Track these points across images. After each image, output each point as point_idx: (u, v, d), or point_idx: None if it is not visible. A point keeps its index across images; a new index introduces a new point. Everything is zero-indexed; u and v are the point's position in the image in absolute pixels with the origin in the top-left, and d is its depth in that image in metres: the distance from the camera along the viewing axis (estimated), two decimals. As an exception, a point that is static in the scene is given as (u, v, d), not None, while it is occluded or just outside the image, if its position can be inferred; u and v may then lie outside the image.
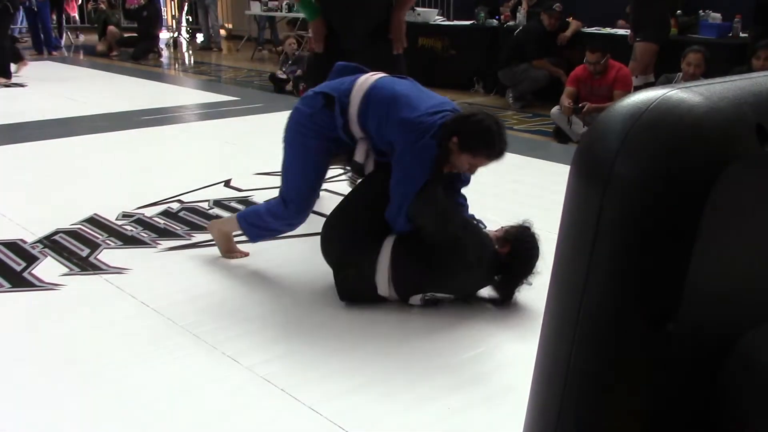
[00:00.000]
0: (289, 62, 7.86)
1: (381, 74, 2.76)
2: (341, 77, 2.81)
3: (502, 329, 2.55)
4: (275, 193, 4.12)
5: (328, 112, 2.67)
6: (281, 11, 11.18)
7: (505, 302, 2.64)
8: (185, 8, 13.74)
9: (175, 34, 13.36)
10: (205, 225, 3.57)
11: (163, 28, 13.05)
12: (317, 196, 2.95)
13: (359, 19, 3.76)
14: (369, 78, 2.71)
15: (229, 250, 3.15)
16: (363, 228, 2.61)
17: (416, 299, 2.60)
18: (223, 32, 13.98)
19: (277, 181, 4.34)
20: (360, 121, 2.64)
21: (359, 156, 2.67)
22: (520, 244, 2.62)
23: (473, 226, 2.64)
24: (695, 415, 0.58)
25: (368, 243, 2.58)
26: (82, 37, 13.39)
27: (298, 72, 7.76)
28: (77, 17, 13.86)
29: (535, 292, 2.73)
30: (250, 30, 12.09)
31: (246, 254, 3.12)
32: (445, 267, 2.54)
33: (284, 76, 7.80)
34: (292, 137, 2.78)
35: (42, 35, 11.20)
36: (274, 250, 3.31)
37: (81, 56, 11.70)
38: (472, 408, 2.10)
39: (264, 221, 2.94)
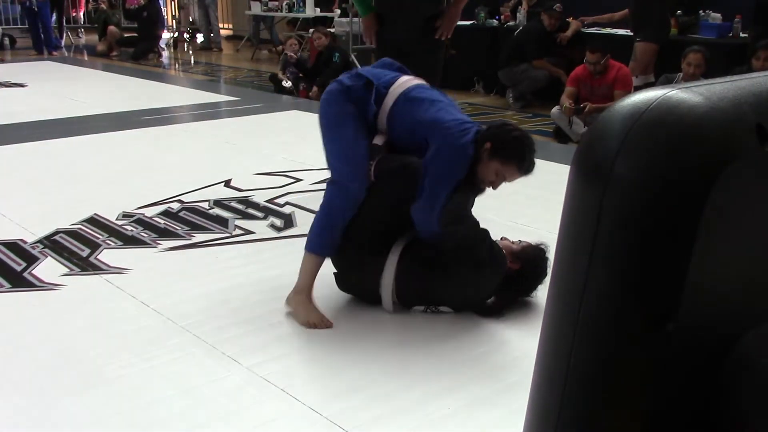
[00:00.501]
0: (291, 64, 7.84)
1: (422, 81, 2.76)
2: (384, 70, 2.79)
3: (502, 329, 2.55)
4: (275, 192, 4.16)
5: (366, 94, 2.62)
6: (281, 11, 11.18)
7: (494, 316, 2.63)
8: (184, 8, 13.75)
9: (175, 34, 13.37)
10: (204, 225, 3.57)
11: (164, 28, 13.06)
12: (367, 165, 2.61)
13: (409, 11, 3.78)
14: (411, 79, 2.71)
15: (314, 320, 2.56)
16: (367, 237, 2.60)
17: (419, 309, 2.62)
18: (227, 32, 14.00)
19: (276, 180, 4.37)
20: (389, 116, 2.61)
21: (378, 140, 2.64)
22: (530, 265, 2.63)
23: (493, 243, 2.62)
24: (695, 415, 0.58)
25: (373, 254, 2.57)
26: (83, 38, 13.40)
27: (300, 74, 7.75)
28: (82, 17, 13.89)
29: (536, 291, 2.73)
30: (250, 30, 12.10)
31: (330, 325, 2.56)
32: (453, 277, 2.54)
33: (288, 84, 7.73)
34: (331, 109, 2.65)
35: (42, 35, 11.21)
36: (275, 250, 3.31)
37: (81, 56, 11.70)
38: (472, 408, 2.10)
39: (329, 222, 2.59)
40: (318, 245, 2.60)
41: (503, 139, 2.51)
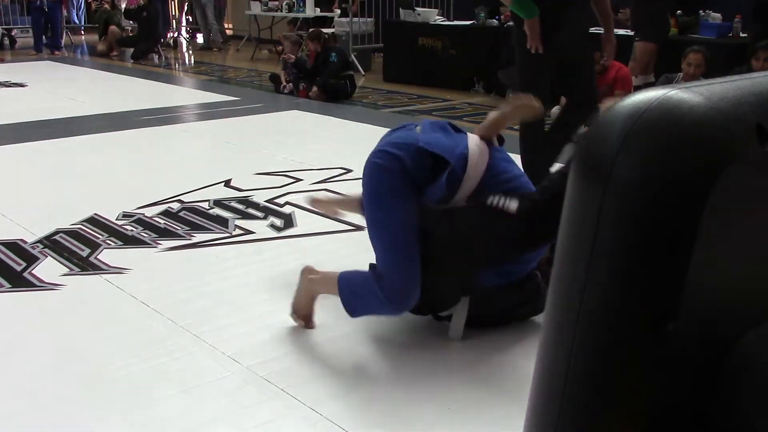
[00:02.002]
0: (290, 65, 7.83)
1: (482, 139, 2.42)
2: (435, 134, 2.35)
3: (502, 329, 2.55)
4: (275, 192, 4.17)
5: (428, 172, 2.27)
6: (281, 11, 11.18)
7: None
8: (185, 8, 13.75)
9: (175, 34, 13.36)
10: (204, 225, 3.57)
11: (181, 27, 13.07)
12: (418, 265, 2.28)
13: (573, 21, 3.69)
14: (481, 144, 2.35)
15: (302, 315, 2.50)
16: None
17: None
18: (229, 31, 13.99)
19: (276, 180, 4.37)
20: (475, 194, 2.28)
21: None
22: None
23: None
24: (695, 415, 0.58)
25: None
26: (82, 38, 13.41)
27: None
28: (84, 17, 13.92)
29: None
30: (250, 30, 12.10)
31: (311, 327, 2.50)
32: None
33: (289, 88, 7.71)
34: (382, 187, 2.29)
35: (50, 34, 11.26)
36: (275, 250, 3.31)
37: (81, 56, 11.70)
38: (472, 408, 2.10)
39: (364, 293, 2.33)
40: (350, 308, 2.37)
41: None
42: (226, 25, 14.21)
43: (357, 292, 2.33)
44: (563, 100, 5.68)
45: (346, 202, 2.96)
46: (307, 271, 2.50)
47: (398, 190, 2.25)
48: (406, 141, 2.30)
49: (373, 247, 2.34)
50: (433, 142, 2.28)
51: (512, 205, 2.11)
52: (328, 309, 2.52)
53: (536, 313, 2.57)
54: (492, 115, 2.42)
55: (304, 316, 2.50)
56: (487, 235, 2.22)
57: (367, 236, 2.41)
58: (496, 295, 2.45)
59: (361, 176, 2.40)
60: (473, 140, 2.33)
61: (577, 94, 3.87)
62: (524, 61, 3.78)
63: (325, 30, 8.81)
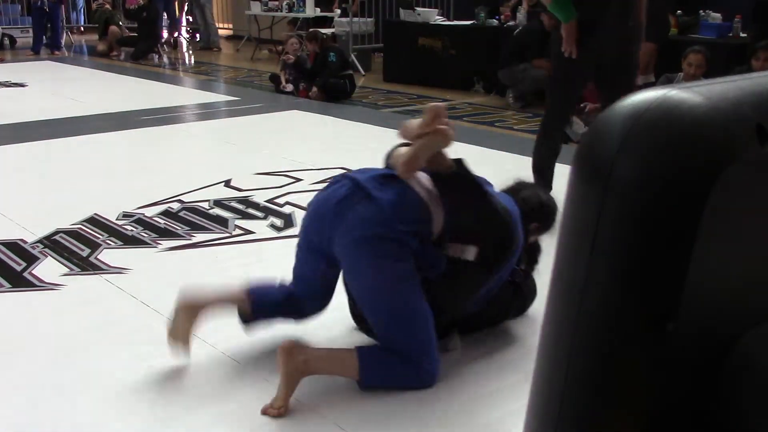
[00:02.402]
0: (290, 65, 7.82)
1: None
2: (386, 191, 2.17)
3: (502, 329, 2.55)
4: (275, 192, 4.16)
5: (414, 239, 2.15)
6: (281, 11, 11.18)
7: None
8: (185, 8, 13.74)
9: (175, 34, 13.35)
10: (204, 225, 3.57)
11: (181, 27, 13.04)
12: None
13: (617, 17, 3.52)
14: (425, 183, 2.23)
15: (274, 405, 2.06)
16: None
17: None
18: (229, 31, 13.99)
19: (276, 180, 4.37)
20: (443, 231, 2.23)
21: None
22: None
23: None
24: (695, 415, 0.58)
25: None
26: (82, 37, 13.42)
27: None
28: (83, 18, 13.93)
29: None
30: (250, 30, 12.10)
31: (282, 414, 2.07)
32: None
33: (289, 87, 7.70)
34: (377, 264, 2.12)
35: (51, 35, 11.27)
36: (275, 250, 3.31)
37: (81, 56, 11.70)
38: (472, 408, 2.10)
39: (388, 379, 2.17)
40: (368, 378, 2.15)
41: (549, 217, 2.51)
42: (224, 25, 14.22)
43: (383, 369, 2.15)
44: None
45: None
46: (290, 353, 2.07)
47: (410, 272, 2.13)
48: (386, 218, 2.11)
49: (381, 331, 2.19)
50: (398, 208, 2.13)
51: (469, 254, 2.16)
52: (328, 308, 2.52)
53: (522, 311, 2.58)
54: (405, 151, 2.14)
55: (282, 398, 2.07)
56: (459, 285, 2.23)
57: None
58: (478, 314, 2.46)
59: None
60: (416, 183, 2.19)
61: (610, 101, 3.81)
62: (556, 63, 3.71)
63: (325, 30, 8.82)
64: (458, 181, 2.15)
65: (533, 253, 2.62)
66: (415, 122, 2.12)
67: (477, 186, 2.17)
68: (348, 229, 2.11)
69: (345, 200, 2.15)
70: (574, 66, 3.57)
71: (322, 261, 2.27)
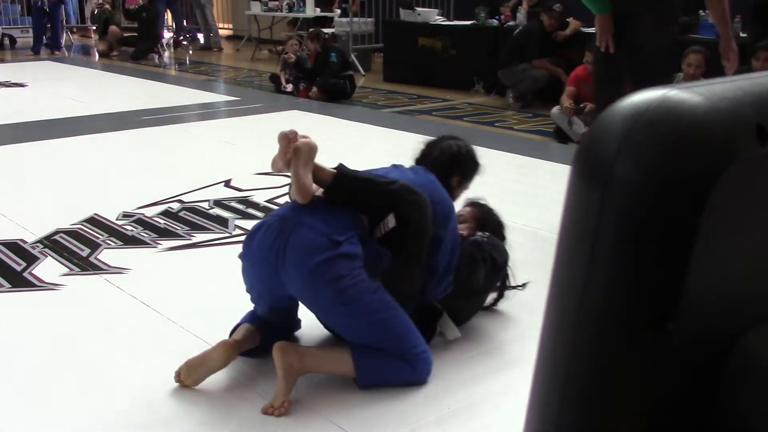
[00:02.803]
0: (290, 66, 7.82)
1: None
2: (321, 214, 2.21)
3: (503, 329, 2.55)
4: (275, 192, 4.16)
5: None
6: (281, 11, 11.18)
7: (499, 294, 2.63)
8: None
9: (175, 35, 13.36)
10: (204, 225, 3.57)
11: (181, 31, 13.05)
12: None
13: (655, 7, 3.36)
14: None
15: (275, 403, 2.06)
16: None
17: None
18: (229, 31, 13.99)
19: (276, 180, 4.37)
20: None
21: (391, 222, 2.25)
22: (491, 224, 2.66)
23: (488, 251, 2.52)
24: (695, 415, 0.58)
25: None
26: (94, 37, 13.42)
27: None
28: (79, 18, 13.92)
29: (536, 292, 2.73)
30: (250, 30, 12.10)
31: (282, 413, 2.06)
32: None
33: (288, 87, 7.70)
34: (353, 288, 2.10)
35: (51, 35, 11.28)
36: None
37: (80, 56, 11.70)
38: (472, 408, 2.10)
39: (388, 371, 2.17)
40: (364, 375, 2.16)
41: (467, 164, 2.56)
42: (224, 25, 14.22)
43: (379, 365, 2.16)
44: (563, 100, 5.70)
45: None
46: (285, 350, 2.09)
47: (368, 280, 2.13)
48: (324, 235, 2.11)
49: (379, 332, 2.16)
50: (330, 220, 2.16)
51: (390, 221, 2.21)
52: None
53: (498, 271, 2.54)
54: (291, 182, 2.22)
55: (283, 392, 2.07)
56: (406, 262, 2.23)
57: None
58: (459, 306, 2.46)
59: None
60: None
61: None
62: (595, 58, 3.59)
63: (325, 30, 8.81)
64: (344, 181, 2.22)
65: (490, 224, 2.64)
66: (276, 155, 2.20)
67: (360, 179, 2.24)
68: (294, 268, 2.09)
69: (277, 240, 2.12)
70: (611, 62, 3.39)
71: (277, 297, 2.25)
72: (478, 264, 2.43)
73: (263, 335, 2.28)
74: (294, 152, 2.15)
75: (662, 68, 3.45)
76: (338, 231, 2.12)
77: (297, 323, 2.43)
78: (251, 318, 2.35)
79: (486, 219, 2.66)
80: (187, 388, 2.16)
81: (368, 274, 2.13)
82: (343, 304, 2.08)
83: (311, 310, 2.28)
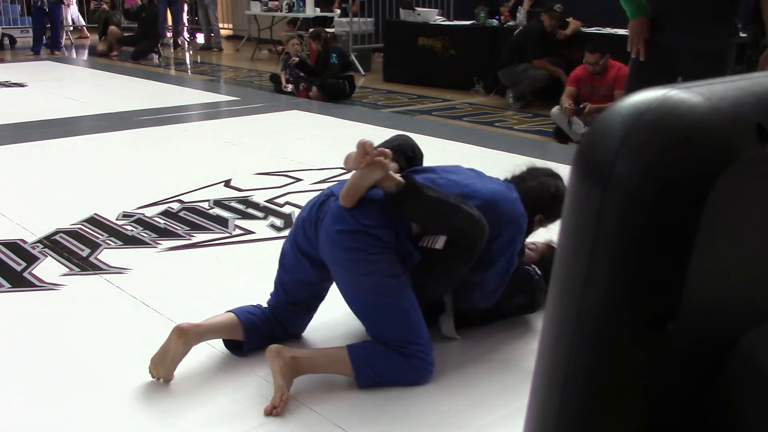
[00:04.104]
0: (290, 66, 7.82)
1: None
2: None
3: (503, 329, 2.55)
4: (275, 192, 4.17)
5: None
6: (281, 11, 11.18)
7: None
8: (185, 9, 13.73)
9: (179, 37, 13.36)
10: (204, 225, 3.57)
11: (183, 27, 13.04)
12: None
13: (696, 11, 3.12)
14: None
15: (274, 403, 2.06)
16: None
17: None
18: (229, 31, 13.99)
19: (276, 180, 4.37)
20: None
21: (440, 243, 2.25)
22: (547, 260, 2.64)
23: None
24: (695, 415, 0.58)
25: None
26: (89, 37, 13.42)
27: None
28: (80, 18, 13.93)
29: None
30: (250, 30, 12.10)
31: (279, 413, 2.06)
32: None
33: (288, 87, 7.70)
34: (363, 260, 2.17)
35: (51, 35, 11.29)
36: (274, 250, 3.31)
37: (81, 56, 11.71)
38: (473, 408, 2.10)
39: (385, 369, 2.18)
40: (362, 375, 2.17)
41: (555, 208, 2.48)
42: (224, 25, 14.22)
43: (376, 363, 2.16)
44: (563, 100, 5.70)
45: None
46: (279, 351, 2.12)
47: (388, 263, 2.18)
48: (350, 214, 2.21)
49: (375, 324, 2.23)
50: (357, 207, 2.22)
51: (439, 243, 2.21)
52: (328, 308, 2.52)
53: (534, 310, 2.58)
54: (347, 184, 2.22)
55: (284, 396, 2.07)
56: (436, 271, 2.26)
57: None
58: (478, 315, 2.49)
59: None
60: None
61: None
62: (629, 66, 3.39)
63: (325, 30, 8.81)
64: (407, 196, 2.19)
65: (546, 261, 2.64)
66: (353, 154, 2.21)
67: (429, 199, 2.20)
68: (324, 229, 2.22)
69: (320, 205, 2.29)
70: (642, 70, 3.21)
71: (311, 265, 2.31)
72: (517, 292, 2.48)
73: (247, 334, 2.31)
74: (366, 166, 2.16)
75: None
76: (366, 218, 2.18)
77: (299, 325, 2.45)
78: (243, 313, 2.35)
79: (549, 262, 2.65)
80: (186, 389, 2.16)
81: (395, 263, 2.16)
82: (355, 273, 2.17)
83: (334, 279, 2.30)
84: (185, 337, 2.18)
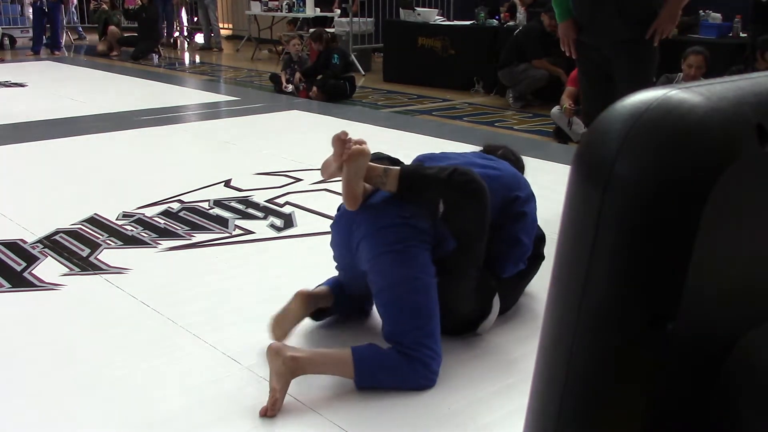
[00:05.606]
0: (291, 66, 7.82)
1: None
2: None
3: (503, 329, 2.55)
4: (275, 192, 4.17)
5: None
6: (281, 11, 11.18)
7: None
8: (182, 8, 13.74)
9: (175, 35, 13.36)
10: (204, 225, 3.57)
11: (183, 27, 13.03)
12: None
13: (615, 15, 3.37)
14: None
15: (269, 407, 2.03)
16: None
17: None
18: (229, 31, 13.99)
19: (276, 180, 4.37)
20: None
21: None
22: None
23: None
24: (695, 415, 0.58)
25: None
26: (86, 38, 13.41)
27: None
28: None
29: (536, 292, 2.73)
30: (249, 30, 12.10)
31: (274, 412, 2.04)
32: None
33: (289, 87, 7.70)
34: (395, 248, 2.17)
35: (50, 35, 11.29)
36: (275, 250, 3.31)
37: (81, 56, 11.70)
38: (472, 408, 2.10)
39: (387, 373, 2.15)
40: (363, 379, 2.14)
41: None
42: (224, 25, 14.22)
43: (379, 366, 2.14)
44: (563, 100, 5.70)
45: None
46: (278, 350, 2.07)
47: (422, 261, 2.19)
48: (386, 209, 2.23)
49: (391, 315, 2.20)
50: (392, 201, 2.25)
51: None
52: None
53: (485, 318, 2.52)
54: (342, 189, 2.20)
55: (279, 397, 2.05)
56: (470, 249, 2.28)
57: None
58: (514, 285, 2.57)
59: None
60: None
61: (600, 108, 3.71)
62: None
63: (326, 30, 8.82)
64: (411, 182, 2.21)
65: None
66: (329, 159, 2.19)
67: (425, 172, 2.24)
68: (363, 227, 2.24)
69: (349, 227, 2.30)
70: (582, 65, 3.62)
71: (353, 271, 2.37)
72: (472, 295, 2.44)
73: (336, 298, 2.43)
74: (348, 158, 2.12)
75: (636, 73, 3.46)
76: (403, 209, 2.20)
77: (370, 303, 2.51)
78: (330, 281, 2.50)
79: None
80: (186, 389, 2.16)
81: (429, 264, 2.18)
82: (393, 265, 2.16)
83: (368, 275, 2.26)
84: (306, 302, 2.34)
